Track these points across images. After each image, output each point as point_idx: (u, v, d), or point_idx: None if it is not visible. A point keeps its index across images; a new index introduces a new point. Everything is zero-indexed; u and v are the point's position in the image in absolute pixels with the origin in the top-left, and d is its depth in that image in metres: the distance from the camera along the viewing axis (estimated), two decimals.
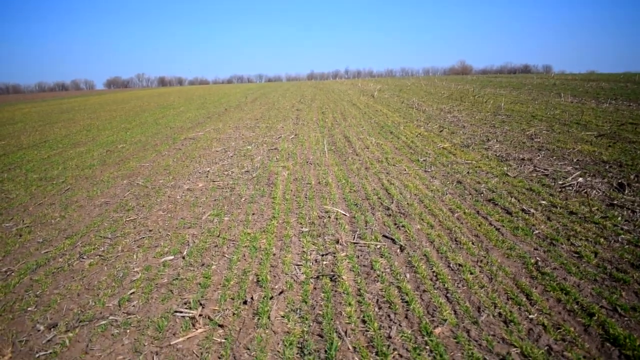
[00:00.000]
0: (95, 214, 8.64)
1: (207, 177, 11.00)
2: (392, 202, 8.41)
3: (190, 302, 5.22)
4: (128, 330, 4.78)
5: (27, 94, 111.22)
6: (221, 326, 4.72)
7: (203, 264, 6.18)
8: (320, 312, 4.89)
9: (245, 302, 5.15)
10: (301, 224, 7.71)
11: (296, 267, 6.03)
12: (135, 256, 6.56)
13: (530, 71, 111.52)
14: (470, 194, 8.70)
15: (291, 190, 9.57)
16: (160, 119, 24.55)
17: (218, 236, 7.18)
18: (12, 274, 6.32)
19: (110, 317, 5.01)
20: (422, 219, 7.56)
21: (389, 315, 4.76)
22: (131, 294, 5.53)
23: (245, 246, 6.79)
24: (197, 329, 4.61)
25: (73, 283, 5.88)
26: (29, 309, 5.33)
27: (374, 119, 19.62)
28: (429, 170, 10.45)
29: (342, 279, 5.55)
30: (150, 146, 15.85)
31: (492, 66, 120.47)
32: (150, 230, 7.60)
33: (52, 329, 4.89)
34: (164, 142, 16.53)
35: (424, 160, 11.45)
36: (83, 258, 6.65)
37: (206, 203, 8.90)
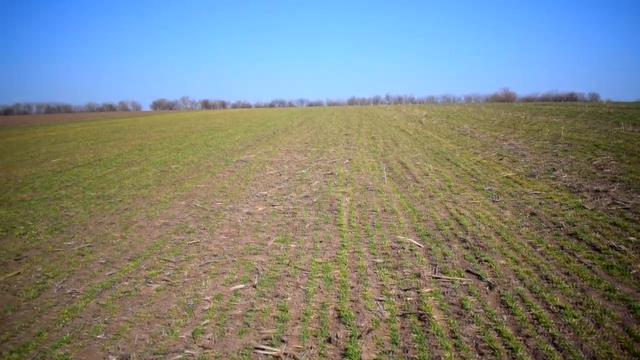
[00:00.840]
0: (155, 236, 8.32)
1: (265, 200, 10.60)
2: (467, 234, 7.93)
3: (270, 338, 4.86)
4: None
5: (77, 114, 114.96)
6: None
7: (277, 295, 5.73)
8: (415, 357, 4.29)
9: (329, 340, 4.62)
10: (374, 254, 7.30)
11: (377, 302, 5.55)
12: (203, 283, 6.15)
13: (577, 99, 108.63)
14: (548, 227, 8.17)
15: (356, 218, 9.17)
16: (209, 141, 24.57)
17: (288, 265, 6.79)
18: (78, 296, 6.09)
19: (186, 351, 4.62)
20: (504, 254, 7.04)
21: None
22: (205, 325, 5.15)
23: (319, 277, 6.42)
24: None
25: (141, 310, 5.51)
26: (98, 336, 5.00)
27: (426, 145, 19.04)
28: (497, 200, 9.88)
29: (433, 318, 4.94)
30: (204, 167, 15.66)
31: (537, 94, 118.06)
32: (214, 255, 7.23)
33: None
34: (217, 164, 16.33)
35: (489, 189, 10.81)
36: (149, 283, 6.30)
37: (269, 228, 8.48)
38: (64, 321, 5.41)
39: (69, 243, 8.18)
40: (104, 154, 20.71)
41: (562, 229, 7.98)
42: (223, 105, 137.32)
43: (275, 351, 4.50)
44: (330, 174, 13.52)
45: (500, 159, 14.89)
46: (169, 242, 8.19)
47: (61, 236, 8.67)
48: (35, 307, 5.74)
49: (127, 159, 18.60)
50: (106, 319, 5.40)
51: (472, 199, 10.04)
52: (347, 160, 15.73)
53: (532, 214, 8.79)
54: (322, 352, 4.53)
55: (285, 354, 4.48)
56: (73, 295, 6.05)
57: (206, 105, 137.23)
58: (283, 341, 4.75)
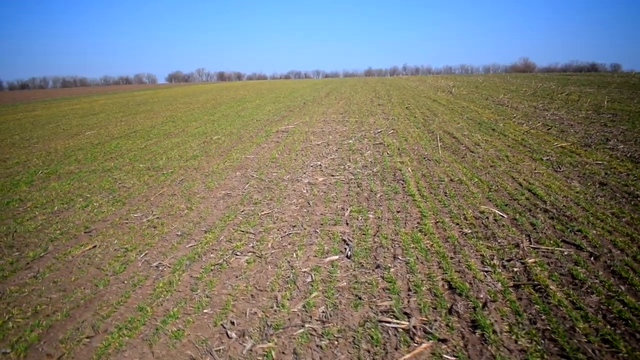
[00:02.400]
0: (222, 207, 8.08)
1: (322, 171, 10.32)
2: (546, 204, 7.71)
3: (389, 310, 4.70)
4: (336, 343, 4.17)
5: (93, 87, 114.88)
6: (443, 341, 3.95)
7: (377, 266, 5.48)
8: (547, 328, 4.12)
9: (450, 312, 4.33)
10: (458, 224, 7.09)
11: (484, 273, 5.25)
12: (294, 255, 5.94)
13: (598, 69, 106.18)
14: (624, 197, 7.91)
15: (425, 187, 8.97)
16: (241, 112, 24.27)
17: (375, 235, 6.64)
18: (165, 269, 5.99)
19: (307, 326, 4.32)
20: (592, 224, 6.81)
21: (634, 335, 3.90)
22: (314, 297, 4.88)
23: (413, 247, 6.27)
24: (420, 344, 3.83)
25: (240, 282, 5.31)
26: (205, 310, 4.86)
27: (465, 115, 18.57)
28: (559, 169, 9.61)
29: (551, 289, 4.65)
30: (246, 138, 15.39)
31: (557, 64, 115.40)
32: (293, 226, 6.98)
33: (245, 337, 4.25)
34: (258, 135, 16.05)
35: (547, 159, 10.52)
36: (237, 255, 6.08)
37: (339, 198, 8.24)
38: (162, 296, 5.25)
39: (135, 215, 7.95)
40: (137, 126, 20.49)
41: (639, 199, 7.51)
42: (239, 77, 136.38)
43: (403, 324, 4.21)
44: (380, 144, 13.17)
45: (549, 129, 14.40)
46: (238, 213, 7.95)
47: (124, 208, 8.50)
48: (126, 282, 5.59)
49: (164, 130, 18.36)
50: (207, 292, 5.21)
51: (535, 169, 9.78)
52: (392, 131, 15.34)
53: (602, 184, 8.55)
54: (449, 324, 4.25)
55: (414, 327, 4.16)
56: (160, 268, 5.85)
57: (222, 77, 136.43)
58: (406, 314, 4.40)
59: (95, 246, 6.70)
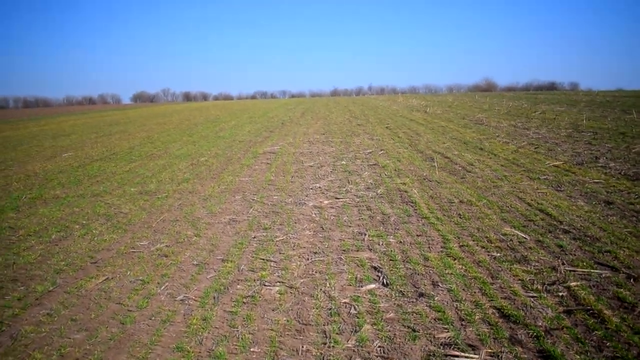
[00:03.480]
0: (231, 233, 7.76)
1: (324, 194, 10.12)
2: (563, 224, 7.84)
3: (452, 343, 4.64)
4: None
5: (56, 107, 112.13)
6: None
7: (421, 295, 5.29)
8: (616, 356, 3.83)
9: (512, 342, 4.20)
10: (485, 247, 7.09)
11: (531, 299, 5.32)
12: (327, 284, 5.71)
13: (557, 88, 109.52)
14: (633, 216, 8.05)
15: (437, 209, 8.93)
16: (219, 132, 23.94)
17: (406, 261, 6.67)
18: (192, 302, 5.75)
19: None
20: (616, 243, 6.92)
21: None
22: (365, 331, 4.70)
23: (448, 273, 6.22)
24: None
25: (280, 316, 5.14)
26: (253, 349, 4.67)
27: (448, 135, 18.73)
28: (561, 189, 9.81)
29: (604, 314, 4.63)
30: (235, 160, 15.10)
31: (517, 83, 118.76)
32: (315, 253, 6.77)
33: None
34: (245, 156, 15.77)
35: (545, 178, 10.71)
36: (266, 285, 5.73)
37: (353, 222, 8.10)
38: (199, 333, 4.96)
39: (141, 243, 7.56)
40: (114, 148, 19.92)
41: None
42: (204, 97, 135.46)
43: (473, 357, 4.00)
44: (374, 164, 13.07)
45: (536, 148, 14.60)
46: (251, 239, 7.74)
47: (127, 236, 8.15)
48: (153, 318, 5.24)
49: (145, 152, 17.88)
50: (248, 328, 4.86)
51: (537, 189, 9.85)
52: (382, 151, 15.30)
53: (607, 202, 8.69)
54: (516, 354, 4.06)
55: None
56: (186, 302, 5.57)
57: (187, 97, 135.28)
58: (470, 345, 4.18)
59: (107, 278, 6.28)
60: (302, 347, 4.43)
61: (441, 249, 6.73)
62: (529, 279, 5.66)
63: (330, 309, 5.13)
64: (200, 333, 4.77)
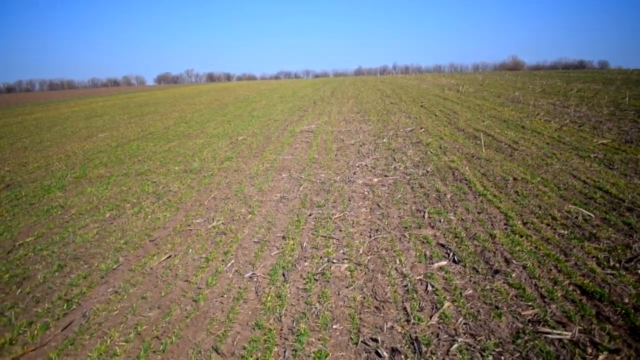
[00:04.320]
0: (285, 211, 7.70)
1: (371, 171, 9.99)
2: (625, 202, 7.61)
3: (544, 320, 4.46)
4: (503, 358, 3.91)
5: (81, 89, 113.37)
6: (616, 351, 3.95)
7: (496, 272, 5.21)
8: None
9: (599, 319, 3.95)
10: (549, 225, 6.92)
11: (610, 276, 5.13)
12: (397, 261, 5.65)
13: (586, 67, 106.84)
14: None
15: (491, 187, 8.79)
16: (252, 112, 23.82)
17: (471, 238, 6.55)
18: (262, 280, 5.70)
19: (460, 340, 3.92)
20: None
21: None
22: (447, 308, 4.40)
23: (519, 250, 6.06)
24: (597, 357, 3.52)
25: (355, 293, 5.27)
26: (334, 326, 4.68)
27: (486, 113, 18.30)
28: (614, 167, 9.61)
29: None
30: (274, 139, 14.97)
31: (545, 62, 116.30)
32: (376, 231, 6.75)
33: (401, 355, 4.10)
34: (283, 135, 15.66)
35: (595, 156, 10.49)
36: (333, 262, 5.63)
37: (408, 200, 8.07)
38: (276, 310, 4.99)
39: (197, 221, 7.51)
40: (149, 128, 19.97)
41: None
42: (228, 77, 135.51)
43: (565, 334, 3.90)
44: (417, 142, 12.85)
45: (580, 126, 14.16)
46: (307, 217, 7.67)
47: (180, 214, 8.15)
48: (225, 295, 5.35)
49: (181, 132, 17.89)
50: (325, 305, 5.06)
51: (590, 167, 9.61)
52: (422, 129, 15.06)
53: None
54: (608, 331, 4.12)
55: (578, 337, 3.76)
56: (255, 279, 5.68)
57: (211, 78, 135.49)
58: (560, 323, 4.01)
59: (170, 256, 6.20)
60: (386, 324, 4.30)
61: (504, 226, 6.54)
62: (604, 257, 5.47)
63: (405, 286, 5.01)
64: (276, 310, 4.69)
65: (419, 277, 5.19)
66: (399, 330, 4.22)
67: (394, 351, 3.92)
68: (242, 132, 17.00)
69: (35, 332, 4.58)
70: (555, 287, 4.83)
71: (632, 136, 12.24)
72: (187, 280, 5.49)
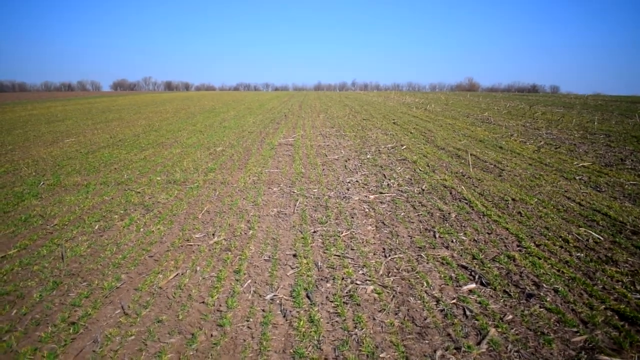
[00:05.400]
0: (285, 227, 7.49)
1: (364, 187, 9.98)
2: (627, 226, 7.70)
3: (597, 347, 4.29)
4: None
5: (33, 93, 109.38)
6: None
7: (530, 296, 4.97)
8: None
9: None
10: (562, 247, 6.91)
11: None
12: (424, 284, 5.29)
13: (538, 91, 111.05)
14: None
15: (492, 207, 8.81)
16: (223, 122, 23.50)
17: (492, 260, 6.46)
18: (286, 302, 5.39)
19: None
20: None
21: None
22: (494, 334, 4.20)
23: (544, 273, 6.00)
24: None
25: (391, 318, 4.96)
26: (381, 355, 4.18)
27: (459, 132, 18.61)
28: (602, 190, 9.84)
29: None
30: (255, 150, 14.72)
31: (500, 84, 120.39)
32: (390, 250, 6.56)
33: None
34: (263, 147, 15.45)
35: (580, 178, 10.78)
36: (357, 284, 5.33)
37: (414, 218, 8.21)
38: (312, 337, 4.64)
39: (197, 236, 7.15)
40: (118, 135, 19.31)
41: None
42: (186, 87, 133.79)
43: None
44: (403, 159, 12.82)
45: (557, 149, 14.52)
46: (312, 234, 7.44)
47: (175, 227, 7.84)
48: (251, 319, 5.02)
49: (154, 140, 17.34)
50: (364, 331, 4.78)
51: (579, 189, 9.79)
52: (403, 146, 15.11)
53: None
54: None
55: None
56: (278, 301, 5.36)
57: (169, 86, 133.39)
58: (615, 350, 3.88)
59: (178, 274, 5.74)
60: (435, 352, 4.03)
61: (518, 248, 6.50)
62: (629, 281, 5.39)
63: (441, 310, 4.80)
64: (313, 337, 4.39)
65: (453, 301, 5.00)
66: (452, 358, 3.93)
67: None
68: (218, 143, 16.57)
69: None
70: (593, 312, 4.69)
71: (610, 159, 12.53)
72: (203, 302, 5.09)
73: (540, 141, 16.20)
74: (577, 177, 10.71)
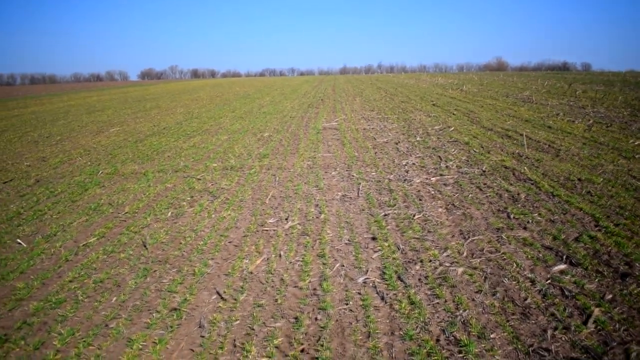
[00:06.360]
0: (356, 210, 7.62)
1: (423, 170, 9.89)
2: None
3: None
4: None
5: (63, 84, 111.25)
6: None
7: (624, 275, 4.85)
8: None
9: None
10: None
11: None
12: (515, 264, 5.37)
13: (569, 69, 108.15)
14: None
15: (559, 187, 8.71)
16: (261, 108, 23.62)
17: (574, 240, 6.32)
18: (378, 283, 5.49)
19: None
20: None
21: None
22: (605, 317, 4.10)
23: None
24: None
25: (491, 300, 4.59)
26: (491, 336, 4.06)
27: (503, 113, 18.37)
28: None
29: None
30: (302, 135, 14.81)
31: (529, 63, 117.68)
32: (468, 231, 6.51)
33: None
34: (309, 132, 15.60)
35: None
36: (445, 265, 5.28)
37: (484, 200, 8.18)
38: (417, 318, 4.81)
39: (270, 221, 7.53)
40: (161, 123, 19.60)
41: None
42: (212, 74, 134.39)
43: None
44: (454, 141, 12.76)
45: (608, 127, 14.07)
46: (384, 216, 7.61)
47: (246, 212, 8.10)
48: (350, 303, 5.20)
49: (199, 127, 17.64)
50: (469, 312, 4.81)
51: None
52: (451, 128, 14.95)
53: None
54: None
55: None
56: (370, 284, 5.51)
57: (195, 74, 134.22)
58: None
59: (264, 259, 5.86)
60: (545, 332, 4.05)
61: (597, 228, 6.45)
62: None
63: (539, 290, 4.80)
64: (418, 318, 4.49)
65: (547, 281, 4.95)
66: (562, 337, 3.95)
67: None
68: (263, 128, 16.69)
69: (158, 348, 4.16)
70: None
71: None
72: (296, 286, 5.17)
73: (589, 120, 15.86)
74: (636, 156, 10.43)
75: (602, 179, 8.56)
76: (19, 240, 6.96)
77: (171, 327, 4.50)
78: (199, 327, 4.49)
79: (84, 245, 6.70)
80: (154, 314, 4.74)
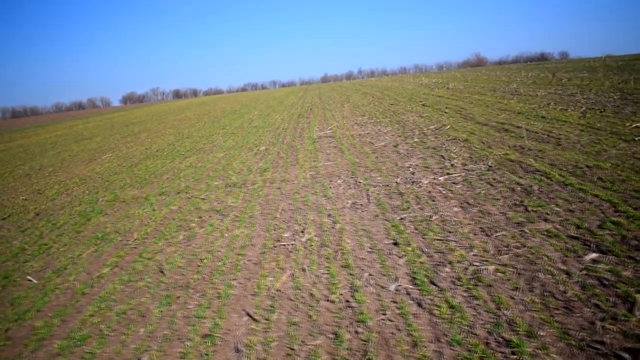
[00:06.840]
0: (370, 217, 7.63)
1: (428, 170, 9.82)
2: None
3: None
4: None
5: (46, 115, 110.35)
6: None
7: None
8: None
9: None
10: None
11: None
12: (545, 257, 5.24)
13: (547, 58, 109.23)
14: None
15: (569, 175, 8.59)
16: (252, 123, 23.55)
17: (598, 227, 6.24)
18: (412, 290, 5.39)
19: None
20: None
21: None
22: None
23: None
24: None
25: (530, 296, 4.47)
26: (539, 333, 3.89)
27: (494, 107, 18.34)
28: None
29: None
30: (299, 146, 14.63)
31: (508, 56, 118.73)
32: (489, 228, 6.45)
33: None
34: (305, 142, 15.45)
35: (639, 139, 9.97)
36: (475, 265, 5.20)
37: (497, 195, 8.21)
38: (460, 322, 4.73)
39: (285, 235, 7.41)
40: (153, 145, 19.37)
41: None
42: (195, 93, 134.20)
43: None
44: (453, 139, 12.68)
45: (602, 112, 14.12)
46: (400, 220, 7.48)
47: (258, 229, 7.98)
48: (387, 312, 5.09)
49: (192, 147, 17.49)
50: (511, 311, 4.65)
51: None
52: (447, 127, 14.90)
53: None
54: None
55: None
56: (403, 291, 5.38)
57: (177, 94, 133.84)
58: None
59: (289, 275, 5.70)
60: (594, 324, 3.95)
61: (617, 213, 6.37)
62: None
63: (577, 282, 4.71)
64: (461, 322, 4.38)
65: (583, 272, 4.85)
66: (612, 328, 3.85)
67: (630, 352, 3.53)
68: (257, 142, 16.56)
69: None
70: None
71: None
72: (328, 300, 5.03)
73: (581, 107, 15.91)
74: (636, 138, 10.43)
75: (609, 164, 8.50)
76: (29, 277, 6.74)
77: (206, 354, 4.34)
78: (236, 351, 4.33)
79: (97, 276, 6.49)
80: (186, 343, 4.57)
